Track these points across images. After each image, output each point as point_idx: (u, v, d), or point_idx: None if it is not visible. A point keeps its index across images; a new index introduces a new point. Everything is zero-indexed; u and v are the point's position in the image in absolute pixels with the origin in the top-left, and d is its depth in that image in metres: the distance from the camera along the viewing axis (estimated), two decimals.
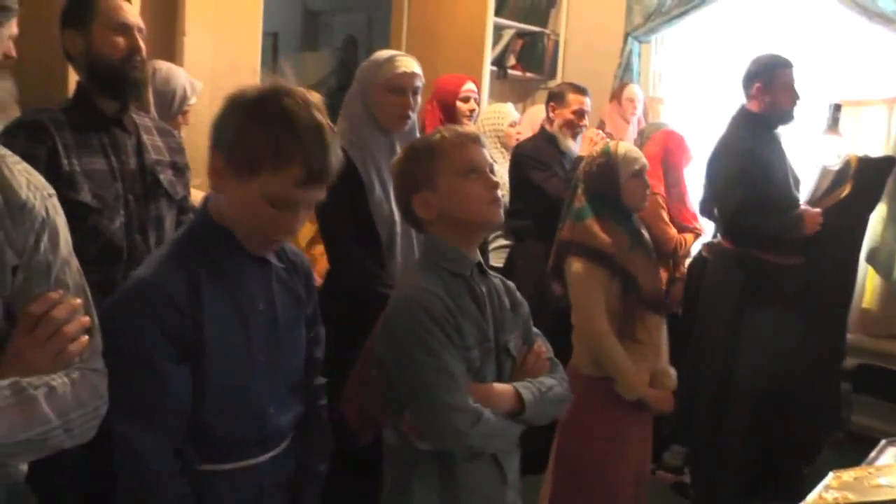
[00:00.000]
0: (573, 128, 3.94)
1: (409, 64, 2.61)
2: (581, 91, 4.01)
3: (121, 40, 2.21)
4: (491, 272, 1.93)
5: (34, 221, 1.26)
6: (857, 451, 3.84)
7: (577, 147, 3.97)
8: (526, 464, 1.96)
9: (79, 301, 1.29)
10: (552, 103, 4.01)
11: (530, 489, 2.33)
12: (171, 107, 3.03)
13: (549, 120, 4.02)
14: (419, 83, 2.64)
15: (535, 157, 3.82)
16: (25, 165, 1.30)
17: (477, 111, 4.09)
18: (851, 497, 1.61)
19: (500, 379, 1.83)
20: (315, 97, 1.56)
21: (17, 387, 1.17)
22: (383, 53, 2.70)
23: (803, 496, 3.35)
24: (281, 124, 1.44)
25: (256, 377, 1.58)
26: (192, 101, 3.06)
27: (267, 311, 1.62)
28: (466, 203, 1.80)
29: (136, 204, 2.21)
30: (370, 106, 2.60)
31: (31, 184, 1.27)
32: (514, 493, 1.90)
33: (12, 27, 1.35)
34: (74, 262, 1.34)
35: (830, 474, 1.78)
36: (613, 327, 2.62)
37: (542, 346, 1.94)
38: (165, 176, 2.32)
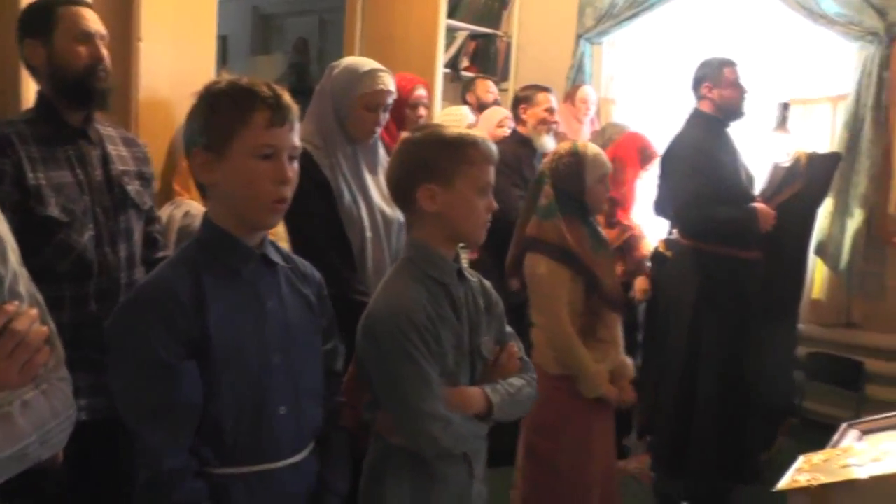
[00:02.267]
0: (547, 124, 4.09)
1: (387, 81, 2.60)
2: (547, 90, 4.21)
3: (83, 49, 2.16)
4: (469, 271, 1.96)
5: None
6: (811, 435, 4.00)
7: (551, 141, 4.08)
8: (492, 457, 2.00)
9: (35, 311, 1.29)
10: (522, 105, 4.12)
11: (497, 482, 2.36)
12: None
13: (522, 122, 4.11)
14: (391, 100, 2.64)
15: (503, 160, 3.86)
16: None
17: (425, 116, 4.14)
18: (823, 478, 1.68)
19: (472, 380, 1.87)
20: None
21: None
22: (363, 64, 2.66)
23: (762, 479, 3.48)
24: (231, 88, 1.56)
25: (270, 375, 1.60)
26: None
27: (277, 311, 1.64)
28: (469, 216, 1.82)
29: (104, 216, 2.18)
30: (343, 117, 2.58)
31: None
32: (480, 484, 1.94)
33: None
34: (25, 272, 1.34)
35: (801, 458, 1.86)
36: (576, 327, 2.66)
37: (514, 347, 1.97)
38: (133, 187, 2.29)
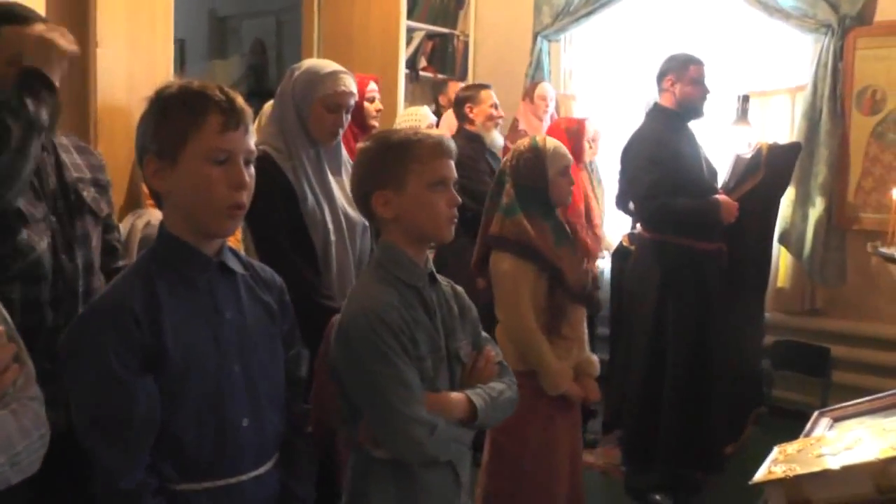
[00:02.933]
0: (494, 120, 4.18)
1: (348, 83, 2.58)
2: (487, 86, 4.32)
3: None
4: (440, 278, 1.94)
5: None
6: (780, 423, 4.04)
7: (500, 137, 4.14)
8: None
9: (1, 328, 1.26)
10: (468, 104, 4.17)
11: None
12: None
13: (469, 120, 4.12)
14: (353, 101, 2.62)
15: (459, 160, 3.86)
16: None
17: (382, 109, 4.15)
18: (799, 469, 1.68)
19: (452, 385, 1.84)
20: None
21: None
22: (323, 66, 2.64)
23: (726, 468, 3.51)
24: (182, 92, 1.54)
25: (230, 386, 1.57)
26: None
27: (235, 319, 1.61)
28: (428, 214, 1.79)
29: (59, 223, 2.11)
30: (305, 119, 2.55)
31: None
32: (466, 495, 1.92)
33: None
34: None
35: (775, 449, 1.86)
36: (540, 323, 2.65)
37: (492, 351, 1.96)
38: (88, 193, 2.22)
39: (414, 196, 1.78)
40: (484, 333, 2.00)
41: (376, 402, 1.71)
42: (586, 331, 2.87)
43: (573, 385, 2.70)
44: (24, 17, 2.09)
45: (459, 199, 1.84)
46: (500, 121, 4.23)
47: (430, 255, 3.86)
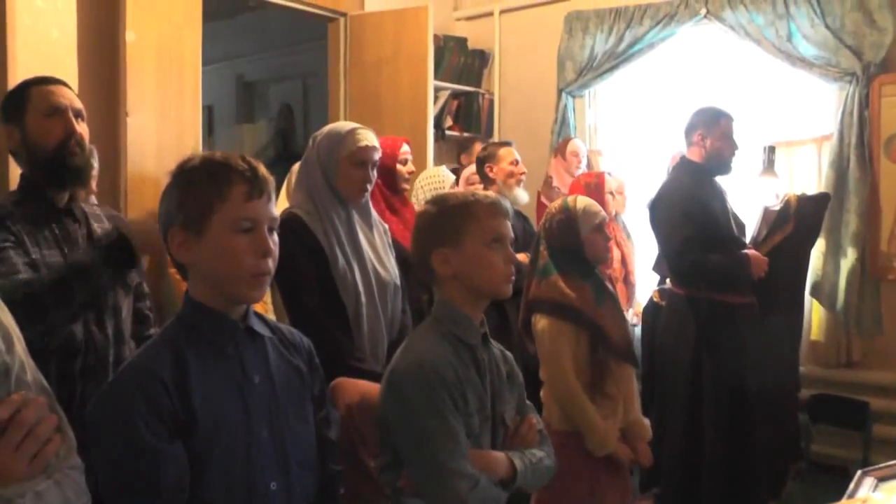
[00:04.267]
0: (515, 177, 4.08)
1: (370, 137, 2.63)
2: (506, 143, 4.26)
3: (54, 124, 2.14)
4: (492, 341, 1.94)
5: None
6: (819, 479, 3.94)
7: (524, 193, 4.08)
8: None
9: (43, 400, 1.26)
10: (488, 164, 4.13)
11: None
12: None
13: (490, 180, 4.11)
14: (378, 156, 2.66)
15: None
16: None
17: (415, 170, 4.17)
18: None
19: (494, 447, 1.85)
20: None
21: (2, 500, 1.13)
22: (343, 126, 2.70)
23: None
24: (205, 164, 1.56)
25: (258, 451, 1.56)
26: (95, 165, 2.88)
27: (264, 384, 1.60)
28: (486, 272, 1.82)
29: (91, 295, 2.14)
30: (332, 178, 2.59)
31: None
32: None
33: None
34: (30, 361, 1.31)
35: None
36: (583, 382, 2.63)
37: (534, 419, 1.97)
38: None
39: (472, 253, 1.81)
40: (528, 402, 2.01)
41: (423, 454, 1.72)
42: (636, 389, 2.83)
43: (620, 445, 2.66)
44: (52, 79, 2.20)
45: (517, 258, 1.87)
46: (521, 177, 4.12)
47: None
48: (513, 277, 1.85)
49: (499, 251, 1.83)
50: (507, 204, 1.91)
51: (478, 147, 5.27)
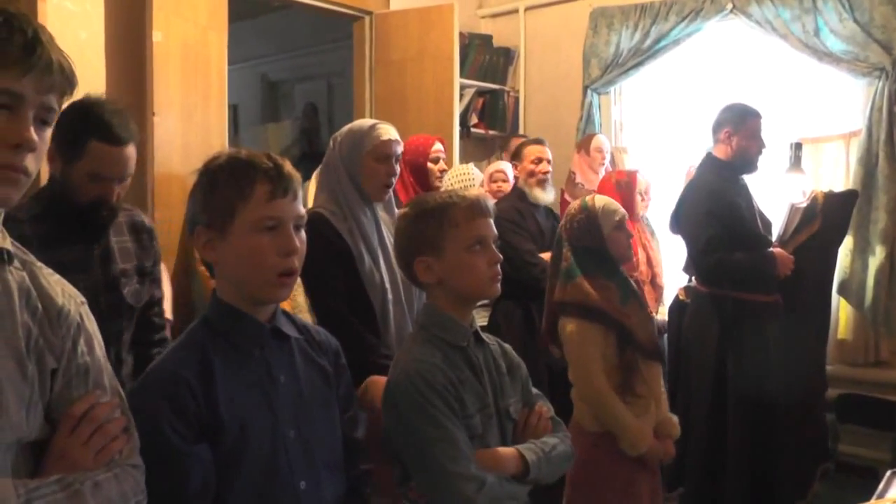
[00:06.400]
0: (536, 176, 4.04)
1: (390, 131, 2.63)
2: (534, 141, 4.20)
3: (95, 188, 2.13)
4: (486, 336, 1.94)
5: (70, 327, 1.29)
6: (847, 480, 3.90)
7: (548, 194, 4.06)
8: None
9: (116, 401, 1.32)
10: (514, 161, 4.16)
11: None
12: None
13: (516, 177, 4.13)
14: (400, 150, 2.66)
15: (508, 217, 3.84)
16: (58, 277, 1.33)
17: (446, 169, 4.16)
18: None
19: (503, 443, 1.84)
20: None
21: (64, 482, 1.19)
22: (363, 123, 2.71)
23: None
24: (229, 163, 1.56)
25: (286, 452, 1.56)
26: None
27: (290, 385, 1.61)
28: (468, 276, 1.81)
29: (98, 320, 2.18)
30: (356, 176, 2.59)
31: (65, 292, 1.31)
32: None
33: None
34: (108, 366, 1.36)
35: None
36: (612, 383, 2.62)
37: (544, 407, 1.95)
38: (130, 288, 2.27)
39: (453, 260, 1.81)
40: (535, 390, 1.99)
41: (425, 462, 1.72)
42: (664, 388, 2.82)
43: (654, 443, 2.65)
44: (118, 137, 2.12)
45: (500, 257, 1.85)
46: (542, 176, 4.05)
47: (485, 320, 3.90)
48: (499, 277, 1.84)
49: (481, 254, 1.81)
50: (488, 202, 1.86)
51: (515, 143, 5.27)
